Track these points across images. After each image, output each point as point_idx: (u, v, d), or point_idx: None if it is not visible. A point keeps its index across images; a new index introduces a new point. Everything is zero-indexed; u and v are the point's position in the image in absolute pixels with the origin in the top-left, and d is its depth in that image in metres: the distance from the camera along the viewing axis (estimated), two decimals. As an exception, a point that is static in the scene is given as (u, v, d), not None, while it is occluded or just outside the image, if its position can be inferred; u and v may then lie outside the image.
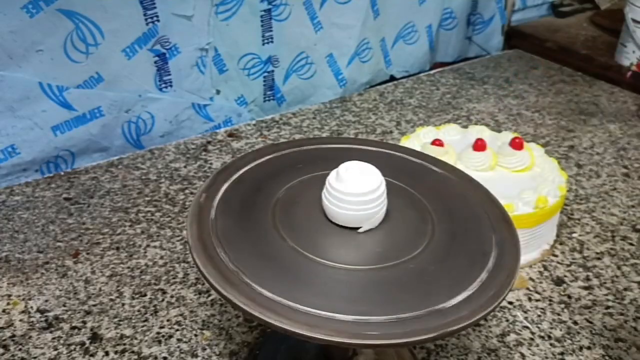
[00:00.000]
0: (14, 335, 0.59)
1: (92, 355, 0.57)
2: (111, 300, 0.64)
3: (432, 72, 1.25)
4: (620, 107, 1.09)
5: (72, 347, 0.58)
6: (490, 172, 0.70)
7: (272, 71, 1.05)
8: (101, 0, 0.81)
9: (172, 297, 0.64)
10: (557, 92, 1.15)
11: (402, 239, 0.43)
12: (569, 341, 0.59)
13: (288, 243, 0.41)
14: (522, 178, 0.70)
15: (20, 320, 0.61)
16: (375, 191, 0.41)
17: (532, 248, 0.69)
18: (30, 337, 0.59)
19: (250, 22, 0.97)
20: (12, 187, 0.83)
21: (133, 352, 0.57)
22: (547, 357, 0.57)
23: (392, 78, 1.23)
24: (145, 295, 0.64)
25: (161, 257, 0.70)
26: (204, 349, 0.58)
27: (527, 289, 0.66)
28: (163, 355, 0.57)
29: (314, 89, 1.12)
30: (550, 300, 0.65)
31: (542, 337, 0.60)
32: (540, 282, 0.67)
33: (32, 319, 0.61)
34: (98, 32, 0.83)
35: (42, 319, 0.61)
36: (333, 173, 0.43)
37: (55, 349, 0.57)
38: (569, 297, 0.65)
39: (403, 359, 0.56)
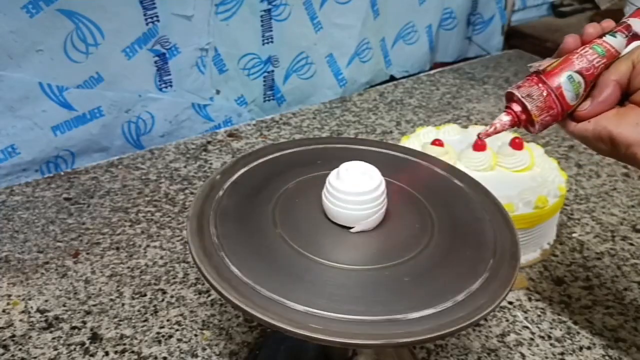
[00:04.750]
0: (14, 335, 0.59)
1: (92, 355, 0.57)
2: (111, 300, 0.64)
3: (432, 72, 1.25)
4: (620, 107, 1.09)
5: (72, 347, 0.58)
6: (490, 172, 0.70)
7: (272, 71, 1.05)
8: (101, 0, 0.81)
9: (172, 297, 0.64)
10: (557, 92, 1.15)
11: (402, 239, 0.43)
12: (569, 341, 0.59)
13: (288, 243, 0.41)
14: (522, 178, 0.70)
15: (20, 320, 0.61)
16: (375, 191, 0.41)
17: (532, 248, 0.69)
18: (30, 337, 0.59)
19: (250, 22, 0.97)
20: (12, 187, 0.83)
21: (133, 352, 0.57)
22: (547, 357, 0.57)
23: (392, 78, 1.23)
24: (145, 295, 0.64)
25: (161, 257, 0.70)
26: (204, 349, 0.58)
27: (527, 289, 0.66)
28: (163, 355, 0.57)
29: (314, 89, 1.12)
30: (550, 300, 0.65)
31: (542, 337, 0.60)
32: (540, 282, 0.67)
33: (32, 319, 0.61)
34: (98, 32, 0.83)
35: (42, 319, 0.61)
36: (333, 173, 0.43)
37: (55, 349, 0.57)
38: (569, 297, 0.65)
39: (403, 359, 0.56)
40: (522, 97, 0.43)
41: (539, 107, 0.42)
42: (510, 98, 0.44)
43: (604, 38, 0.45)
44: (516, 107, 0.44)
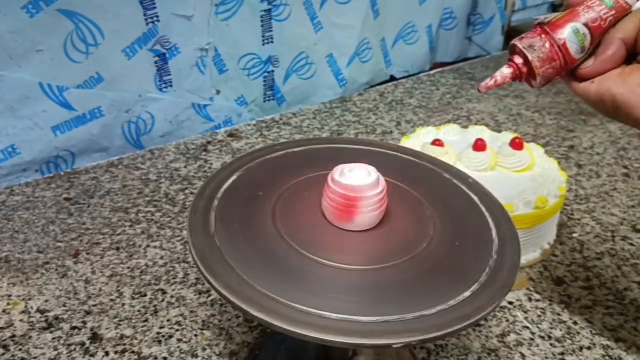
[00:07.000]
0: (14, 335, 0.59)
1: (92, 355, 0.57)
2: (111, 300, 0.64)
3: (432, 72, 1.25)
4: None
5: (72, 347, 0.58)
6: (490, 172, 0.70)
7: (272, 71, 1.05)
8: (101, 0, 0.81)
9: (172, 297, 0.64)
10: (557, 91, 1.15)
11: (402, 239, 0.43)
12: (569, 341, 0.59)
13: (288, 243, 0.41)
14: (522, 178, 0.70)
15: (20, 320, 0.61)
16: (374, 191, 0.41)
17: (532, 248, 0.69)
18: (30, 337, 0.59)
19: (250, 22, 0.97)
20: (12, 187, 0.83)
21: (133, 352, 0.57)
22: (547, 357, 0.57)
23: (392, 78, 1.23)
24: (145, 295, 0.64)
25: (161, 257, 0.70)
26: (204, 349, 0.58)
27: (527, 289, 0.66)
28: (163, 355, 0.57)
29: (314, 89, 1.12)
30: (550, 300, 0.65)
31: (542, 337, 0.60)
32: (540, 282, 0.67)
33: (32, 319, 0.61)
34: (98, 32, 0.83)
35: (42, 319, 0.61)
36: (333, 173, 0.43)
37: (55, 349, 0.57)
38: (569, 297, 0.65)
39: (403, 359, 0.56)
40: (524, 47, 0.41)
41: (540, 59, 0.41)
42: (513, 50, 0.42)
43: None
44: (517, 60, 0.42)
